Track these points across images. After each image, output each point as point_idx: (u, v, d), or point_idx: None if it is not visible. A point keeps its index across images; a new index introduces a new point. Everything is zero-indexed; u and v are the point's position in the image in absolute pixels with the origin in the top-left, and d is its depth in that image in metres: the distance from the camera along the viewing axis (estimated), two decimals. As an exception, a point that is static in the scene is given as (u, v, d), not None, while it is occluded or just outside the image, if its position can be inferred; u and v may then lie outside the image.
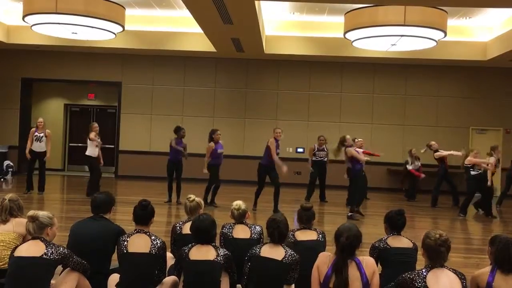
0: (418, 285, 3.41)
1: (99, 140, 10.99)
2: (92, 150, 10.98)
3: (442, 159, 11.91)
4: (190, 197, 5.04)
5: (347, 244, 3.56)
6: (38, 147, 11.05)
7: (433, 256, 3.51)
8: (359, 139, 11.33)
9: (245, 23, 10.86)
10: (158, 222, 8.49)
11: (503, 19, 12.72)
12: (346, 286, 3.46)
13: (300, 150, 15.11)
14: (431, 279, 3.41)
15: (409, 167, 12.85)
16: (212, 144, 10.45)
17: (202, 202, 5.10)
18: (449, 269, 3.48)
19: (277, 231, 4.05)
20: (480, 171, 10.64)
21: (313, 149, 11.85)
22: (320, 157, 11.78)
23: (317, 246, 4.54)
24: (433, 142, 12.18)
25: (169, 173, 10.84)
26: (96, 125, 11.25)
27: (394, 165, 14.58)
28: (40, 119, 11.25)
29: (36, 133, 11.01)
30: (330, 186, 12.48)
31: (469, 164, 10.61)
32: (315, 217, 4.89)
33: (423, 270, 3.48)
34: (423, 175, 12.73)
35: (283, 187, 10.18)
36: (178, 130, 10.96)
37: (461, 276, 3.46)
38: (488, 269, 3.69)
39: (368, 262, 3.62)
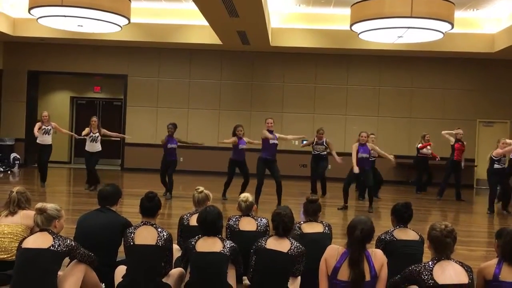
0: (424, 277, 3.41)
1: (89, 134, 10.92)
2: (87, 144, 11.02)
3: (453, 151, 11.73)
4: (198, 189, 5.03)
5: (362, 238, 3.55)
6: (44, 140, 11.11)
7: (440, 248, 3.51)
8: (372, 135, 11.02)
9: (251, 16, 10.82)
10: (164, 214, 8.54)
11: (511, 10, 12.62)
12: (363, 279, 3.46)
13: (305, 142, 15.06)
14: (438, 271, 3.41)
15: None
16: (235, 139, 10.27)
17: (211, 194, 5.08)
18: (455, 262, 3.48)
19: (282, 225, 4.05)
20: (504, 165, 10.30)
21: (312, 142, 11.45)
22: (317, 151, 11.38)
23: (323, 239, 4.54)
24: (460, 131, 11.95)
25: (161, 170, 10.51)
26: (92, 118, 11.17)
27: (400, 158, 14.52)
28: (45, 113, 11.27)
29: (44, 126, 11.05)
30: (333, 179, 12.39)
31: (497, 157, 10.20)
32: (321, 210, 4.89)
33: (430, 263, 3.48)
34: (438, 158, 12.65)
35: (289, 179, 10.13)
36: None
37: (468, 269, 3.46)
38: (494, 261, 3.69)
39: (377, 254, 3.62)
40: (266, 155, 9.62)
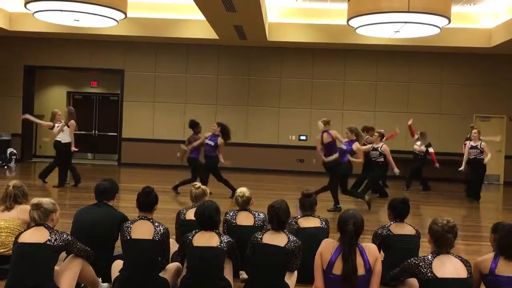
0: (423, 270, 3.43)
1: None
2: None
3: None
4: (195, 184, 5.07)
5: (355, 231, 3.55)
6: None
7: (440, 243, 3.51)
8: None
9: (248, 10, 10.79)
10: (162, 209, 8.52)
11: (508, 5, 12.61)
12: (355, 273, 3.46)
13: (303, 137, 15.08)
14: (437, 265, 3.42)
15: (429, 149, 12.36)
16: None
17: (208, 190, 5.10)
18: (455, 256, 3.49)
19: (276, 218, 4.06)
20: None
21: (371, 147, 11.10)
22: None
23: (320, 233, 4.55)
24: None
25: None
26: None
27: (397, 153, 14.51)
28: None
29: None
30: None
31: None
32: (317, 203, 4.91)
33: (429, 256, 3.50)
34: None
35: (286, 174, 10.07)
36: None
37: (467, 263, 3.47)
38: (491, 255, 3.71)
39: (370, 248, 3.62)
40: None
